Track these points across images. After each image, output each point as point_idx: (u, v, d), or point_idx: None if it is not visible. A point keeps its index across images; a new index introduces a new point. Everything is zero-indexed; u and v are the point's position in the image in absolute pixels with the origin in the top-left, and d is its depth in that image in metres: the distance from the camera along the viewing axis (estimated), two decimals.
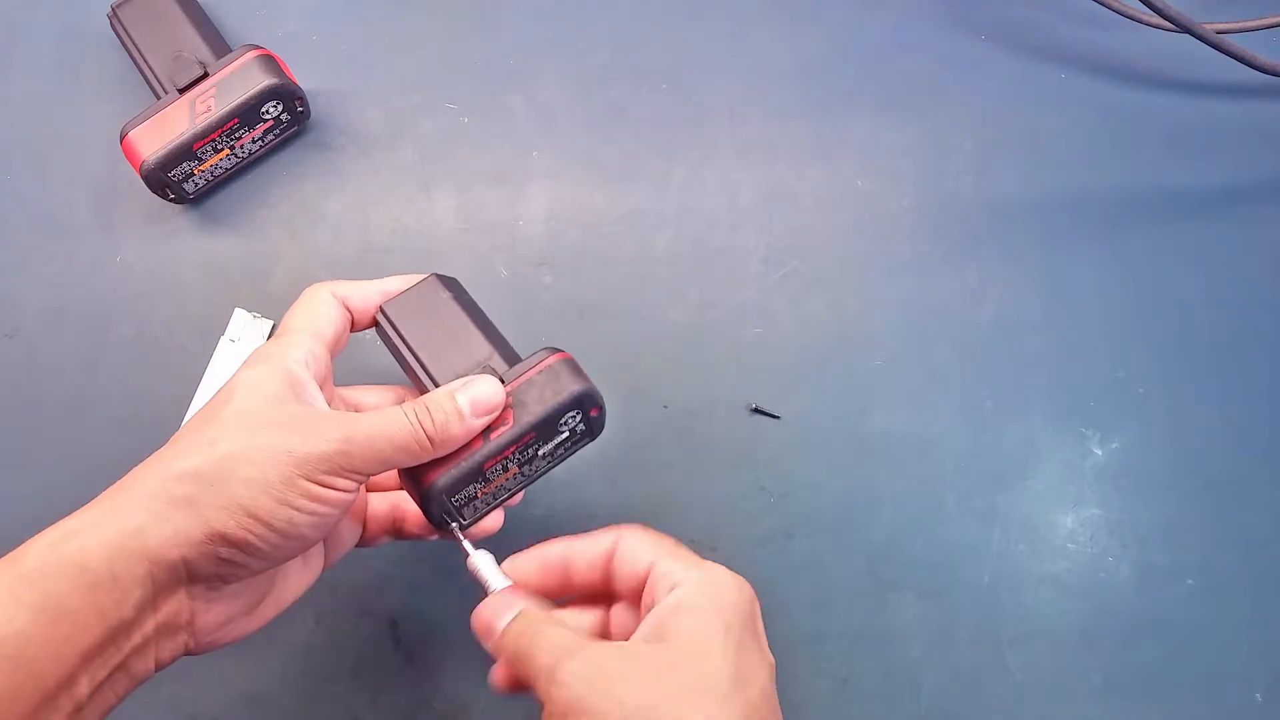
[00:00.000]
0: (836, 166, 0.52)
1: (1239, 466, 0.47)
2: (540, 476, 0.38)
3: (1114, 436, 0.47)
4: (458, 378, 0.36)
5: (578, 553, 0.34)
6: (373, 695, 0.42)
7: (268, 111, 0.47)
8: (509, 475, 0.37)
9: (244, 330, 0.47)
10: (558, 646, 0.30)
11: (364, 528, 0.39)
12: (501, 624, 0.32)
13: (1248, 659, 0.44)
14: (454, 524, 0.36)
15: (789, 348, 0.48)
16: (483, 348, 0.38)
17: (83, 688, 0.28)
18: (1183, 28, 0.48)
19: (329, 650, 0.43)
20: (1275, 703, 0.43)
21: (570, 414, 0.36)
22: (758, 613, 0.32)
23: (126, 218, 0.49)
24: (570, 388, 0.35)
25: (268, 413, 0.32)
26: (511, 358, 0.38)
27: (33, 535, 0.29)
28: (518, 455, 0.36)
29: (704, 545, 0.45)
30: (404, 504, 0.39)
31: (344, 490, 0.31)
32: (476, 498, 0.36)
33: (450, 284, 0.40)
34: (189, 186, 0.47)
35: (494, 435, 0.35)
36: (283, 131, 0.49)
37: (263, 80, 0.46)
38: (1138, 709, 0.43)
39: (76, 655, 0.27)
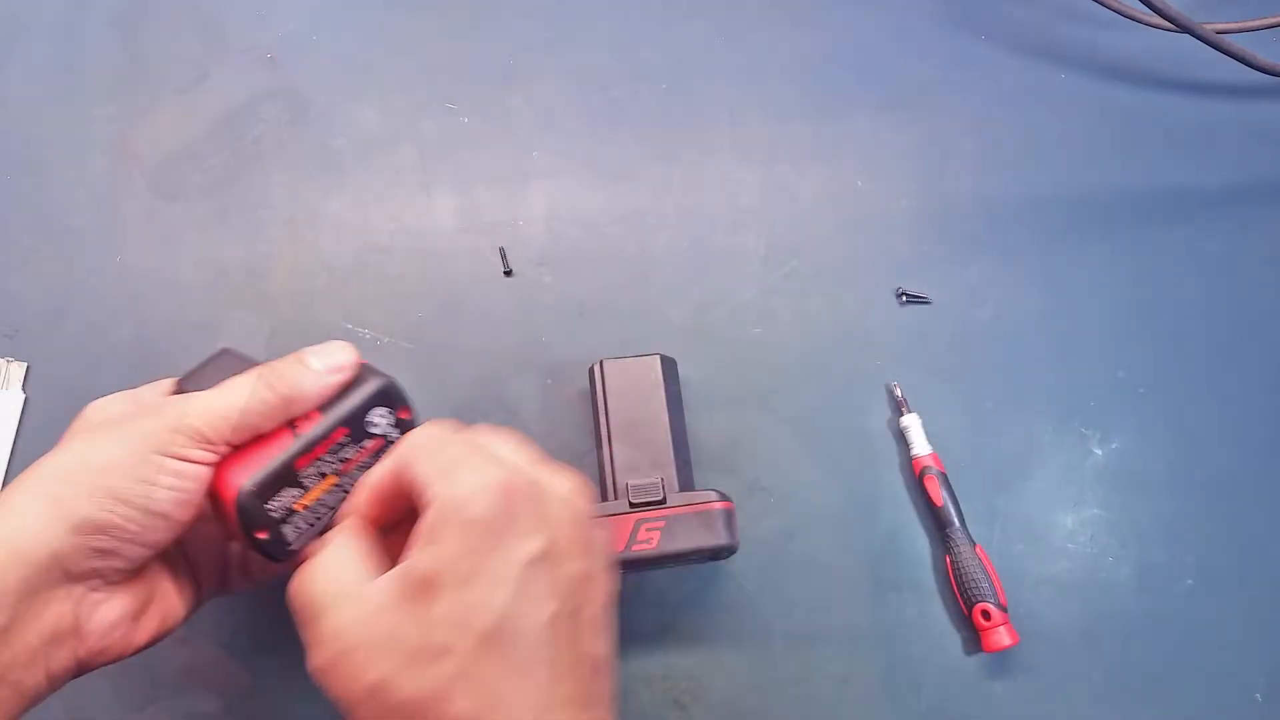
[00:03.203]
0: (836, 166, 0.52)
1: (1238, 466, 0.47)
2: None
3: (1114, 436, 0.47)
4: None
5: (375, 480, 0.32)
6: None
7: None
8: (327, 485, 0.34)
9: None
10: (312, 603, 0.30)
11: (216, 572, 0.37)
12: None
13: (1248, 659, 0.44)
14: (269, 534, 0.33)
15: (789, 348, 0.48)
16: None
17: None
18: (1183, 28, 0.48)
19: None
20: (1275, 703, 0.43)
21: (378, 410, 0.35)
22: (516, 513, 0.29)
23: (126, 218, 0.49)
24: (373, 380, 0.35)
25: (109, 414, 0.33)
26: None
27: None
28: (332, 458, 0.34)
29: None
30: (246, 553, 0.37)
31: (198, 461, 0.31)
32: (295, 511, 0.34)
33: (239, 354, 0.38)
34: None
35: (301, 429, 0.33)
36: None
37: None
38: (1138, 709, 0.43)
39: None
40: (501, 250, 0.47)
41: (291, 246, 0.49)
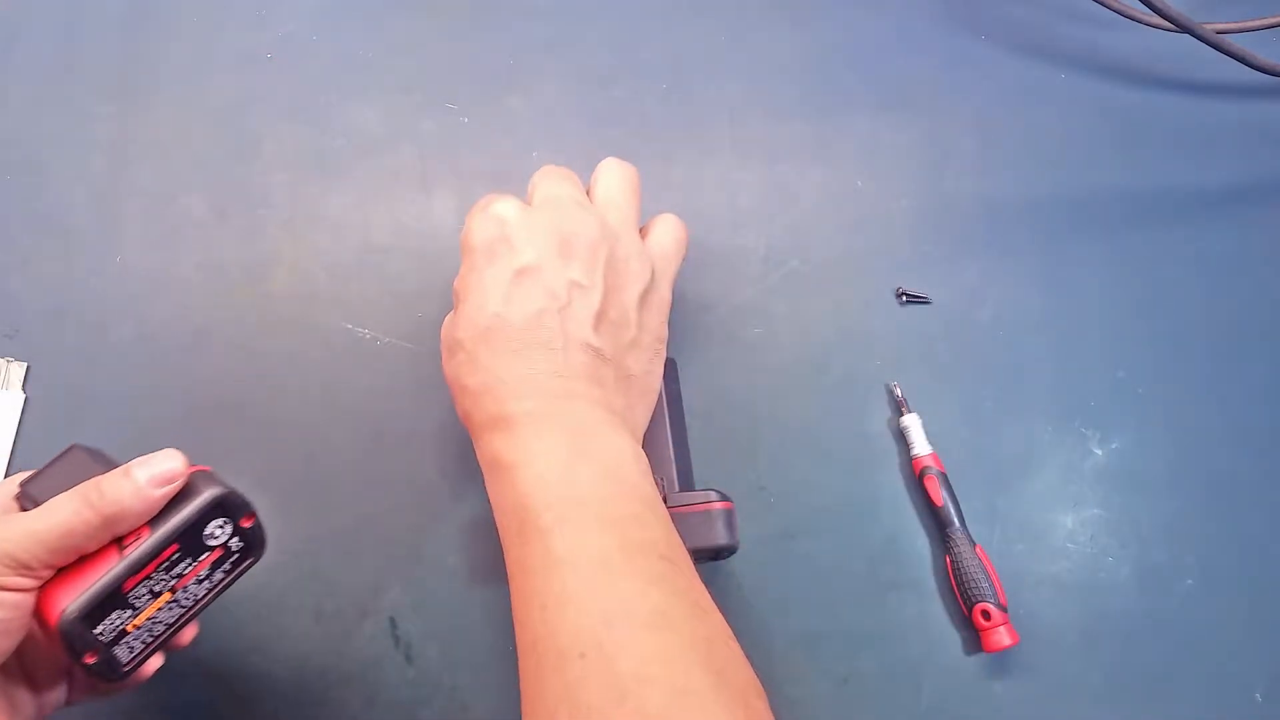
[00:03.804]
0: (836, 166, 0.52)
1: (1238, 466, 0.47)
2: (203, 607, 0.35)
3: (1114, 436, 0.47)
4: None
5: None
6: (372, 695, 0.42)
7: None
8: (161, 603, 0.33)
9: None
10: None
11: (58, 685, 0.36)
12: None
13: (1248, 659, 0.44)
14: (98, 658, 0.32)
15: (789, 348, 0.48)
16: None
17: None
18: (1183, 28, 0.48)
19: (329, 650, 0.43)
20: (1275, 703, 0.43)
21: (215, 522, 0.33)
22: (506, 240, 0.37)
23: (126, 218, 0.49)
24: (208, 491, 0.33)
25: None
26: None
27: None
28: (164, 575, 0.32)
29: None
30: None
31: (16, 588, 0.30)
32: (127, 632, 0.32)
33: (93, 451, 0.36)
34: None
35: (128, 548, 0.31)
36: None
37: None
38: (1138, 709, 0.43)
39: None
40: None
41: (291, 246, 0.49)
